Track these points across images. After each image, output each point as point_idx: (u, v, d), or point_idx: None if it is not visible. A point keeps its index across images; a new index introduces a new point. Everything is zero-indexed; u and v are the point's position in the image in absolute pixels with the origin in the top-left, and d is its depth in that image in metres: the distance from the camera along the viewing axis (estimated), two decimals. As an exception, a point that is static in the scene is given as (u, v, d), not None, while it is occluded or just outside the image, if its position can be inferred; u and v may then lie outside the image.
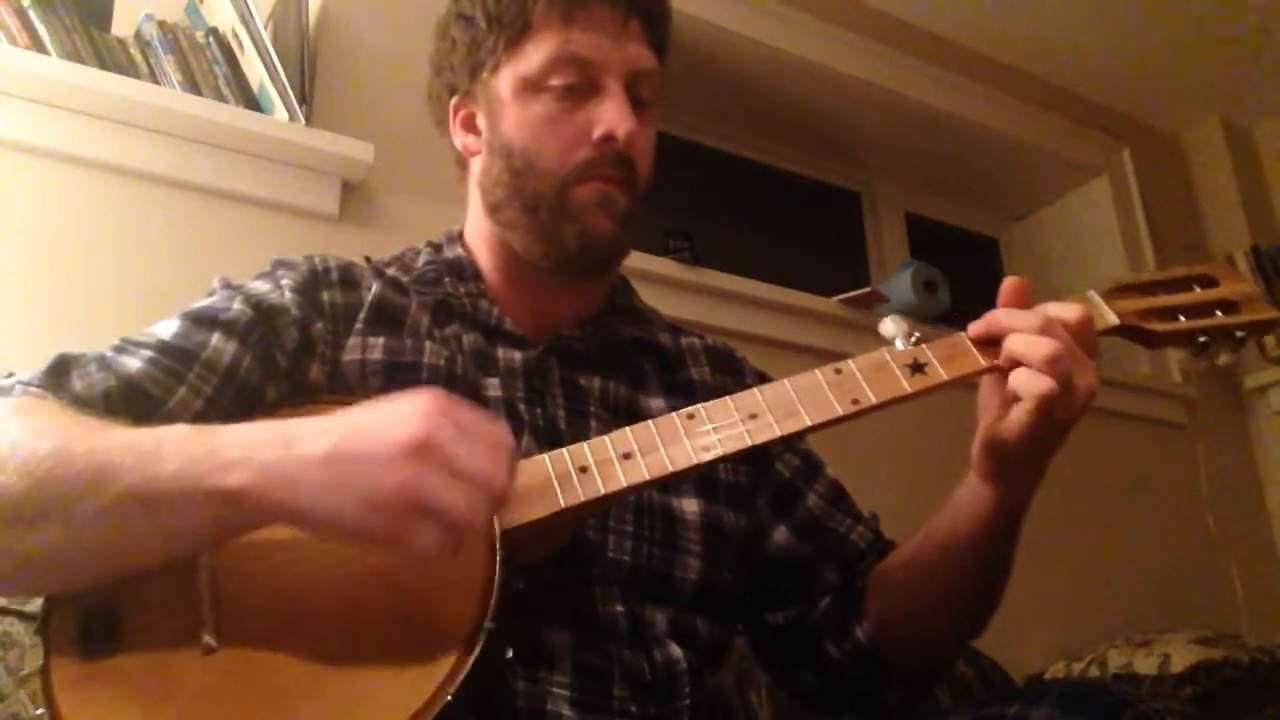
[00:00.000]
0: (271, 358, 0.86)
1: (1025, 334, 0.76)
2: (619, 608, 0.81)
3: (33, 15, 1.40)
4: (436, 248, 1.01)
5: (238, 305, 0.87)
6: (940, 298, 2.23)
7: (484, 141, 0.96)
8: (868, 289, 2.12)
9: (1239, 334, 0.87)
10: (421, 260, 0.99)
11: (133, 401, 0.79)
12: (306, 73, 1.56)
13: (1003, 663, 1.67)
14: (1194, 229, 2.87)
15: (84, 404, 0.76)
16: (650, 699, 0.80)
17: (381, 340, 0.89)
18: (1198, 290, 0.88)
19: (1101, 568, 2.23)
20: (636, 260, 1.85)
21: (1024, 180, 2.75)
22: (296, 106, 1.51)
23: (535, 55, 0.91)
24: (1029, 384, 0.74)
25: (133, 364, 0.81)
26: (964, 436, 0.85)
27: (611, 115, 0.90)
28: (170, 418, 0.78)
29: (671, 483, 0.89)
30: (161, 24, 1.50)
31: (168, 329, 0.85)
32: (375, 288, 0.93)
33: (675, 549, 0.88)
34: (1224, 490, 2.52)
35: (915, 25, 2.50)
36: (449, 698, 0.62)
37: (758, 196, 2.52)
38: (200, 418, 0.80)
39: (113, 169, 1.44)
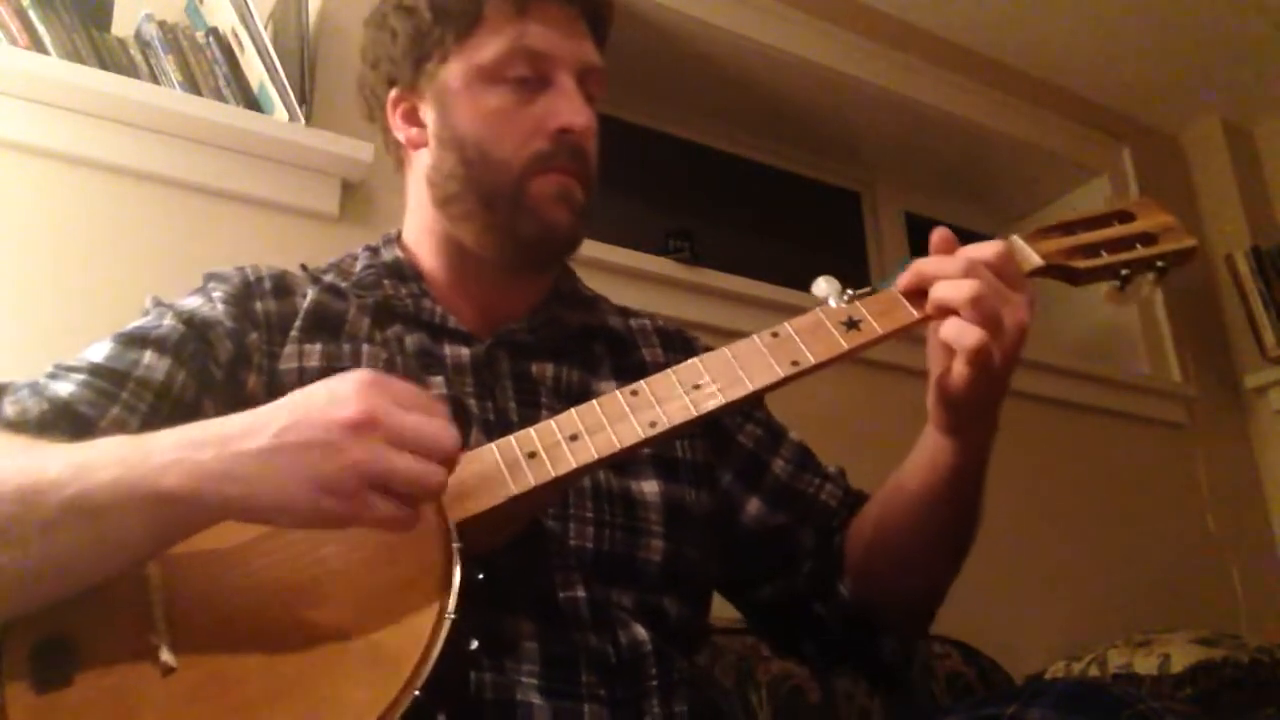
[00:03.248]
0: (206, 371, 0.86)
1: (949, 279, 0.77)
2: (580, 593, 0.81)
3: (33, 15, 1.40)
4: (374, 251, 1.00)
5: (169, 321, 0.86)
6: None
7: (432, 134, 0.95)
8: (868, 289, 2.11)
9: (1160, 264, 0.87)
10: (359, 264, 0.98)
11: (66, 424, 0.78)
12: (306, 73, 1.56)
13: (1003, 663, 1.68)
14: (1194, 229, 2.86)
15: (17, 429, 0.76)
16: (617, 682, 0.80)
17: (318, 347, 0.89)
18: (1118, 226, 0.89)
19: (1101, 568, 2.23)
20: (636, 260, 1.86)
21: (1024, 180, 2.75)
22: (296, 106, 1.51)
23: (489, 47, 0.91)
24: (959, 336, 0.75)
25: (65, 388, 0.80)
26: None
27: (568, 108, 0.91)
28: (105, 436, 0.77)
29: (630, 465, 0.90)
30: (161, 24, 1.50)
31: (99, 351, 0.84)
32: (311, 294, 0.93)
33: (637, 531, 0.87)
34: (1224, 490, 2.52)
35: (915, 25, 2.50)
36: (416, 693, 0.61)
37: (758, 196, 2.52)
38: None
39: (113, 169, 1.44)
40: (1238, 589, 2.40)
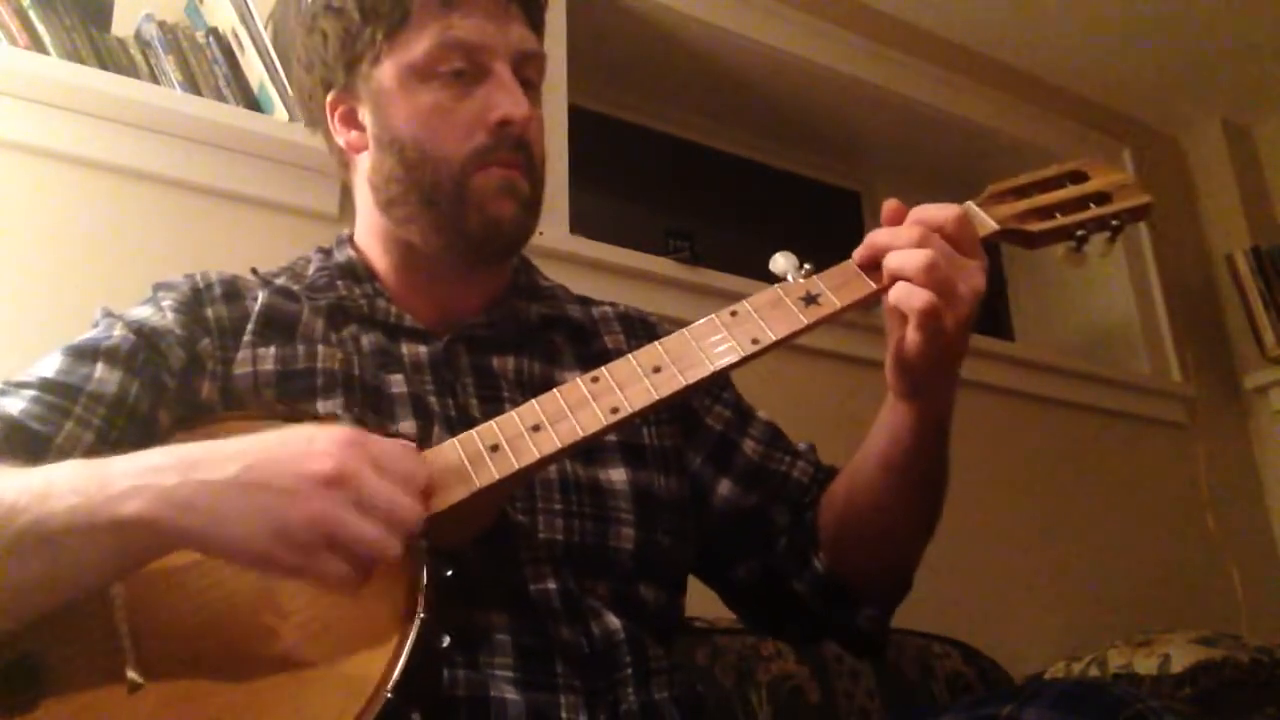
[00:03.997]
0: (159, 381, 0.84)
1: (902, 249, 0.77)
2: (551, 585, 0.81)
3: (33, 15, 1.40)
4: (326, 253, 0.99)
5: (119, 332, 0.85)
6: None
7: (371, 136, 0.93)
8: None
9: (1114, 222, 0.87)
10: (312, 267, 0.97)
11: (20, 443, 0.76)
12: (306, 73, 1.56)
13: (1002, 663, 1.68)
14: (1194, 229, 2.87)
15: None
16: (592, 672, 0.79)
17: (272, 350, 0.88)
18: (1071, 187, 0.89)
19: (1101, 568, 2.23)
20: (636, 260, 1.86)
21: (1024, 180, 2.75)
22: (296, 106, 1.51)
23: (419, 43, 0.89)
24: (907, 298, 0.75)
25: (15, 405, 0.78)
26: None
27: (505, 99, 0.89)
28: (61, 454, 0.76)
29: (597, 454, 0.90)
30: (161, 24, 1.50)
31: (50, 366, 0.82)
32: (262, 297, 0.92)
33: (607, 520, 0.86)
34: (1224, 490, 2.52)
35: (915, 25, 2.50)
36: (388, 695, 0.61)
37: (758, 196, 2.52)
38: (92, 452, 0.78)
39: (113, 169, 1.44)
40: (1238, 589, 2.40)
